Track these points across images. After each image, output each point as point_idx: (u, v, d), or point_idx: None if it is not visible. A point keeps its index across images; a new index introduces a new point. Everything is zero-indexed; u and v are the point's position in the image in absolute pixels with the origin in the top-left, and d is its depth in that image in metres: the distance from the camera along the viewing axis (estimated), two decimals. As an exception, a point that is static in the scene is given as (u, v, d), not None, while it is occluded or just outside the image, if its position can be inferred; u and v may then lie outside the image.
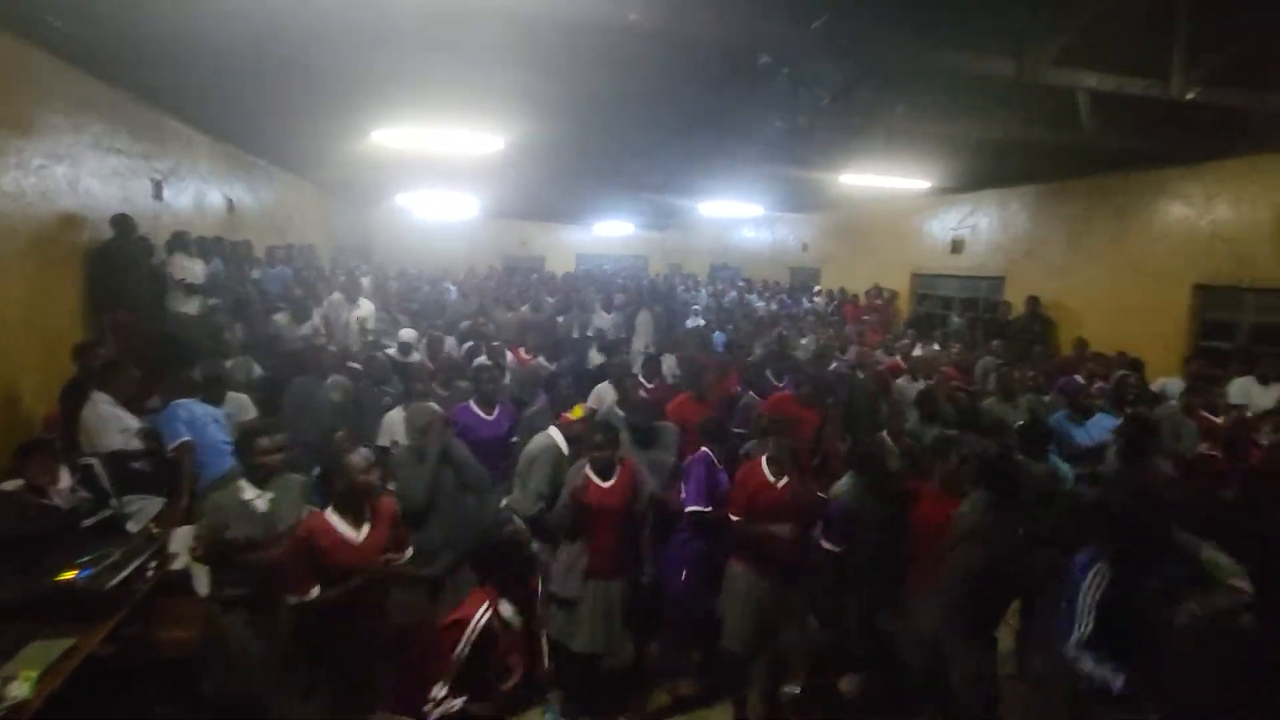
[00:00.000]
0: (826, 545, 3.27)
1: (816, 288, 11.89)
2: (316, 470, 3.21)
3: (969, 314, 9.02)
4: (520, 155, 7.57)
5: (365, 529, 2.47)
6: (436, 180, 9.89)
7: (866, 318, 9.59)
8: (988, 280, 9.01)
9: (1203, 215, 6.48)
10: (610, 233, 17.55)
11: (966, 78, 4.95)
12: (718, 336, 7.58)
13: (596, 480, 3.06)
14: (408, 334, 5.70)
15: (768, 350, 6.58)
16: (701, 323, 8.75)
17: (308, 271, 8.20)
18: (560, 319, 7.78)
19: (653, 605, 3.29)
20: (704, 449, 3.40)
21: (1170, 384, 5.50)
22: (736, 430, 4.39)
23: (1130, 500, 2.59)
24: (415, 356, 5.25)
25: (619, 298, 8.97)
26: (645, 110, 6.12)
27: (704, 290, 11.86)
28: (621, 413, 4.12)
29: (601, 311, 7.93)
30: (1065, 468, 3.93)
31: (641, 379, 5.01)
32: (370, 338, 6.07)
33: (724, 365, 5.72)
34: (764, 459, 3.20)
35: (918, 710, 3.18)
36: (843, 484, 3.43)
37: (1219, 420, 4.91)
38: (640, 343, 7.53)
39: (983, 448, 3.60)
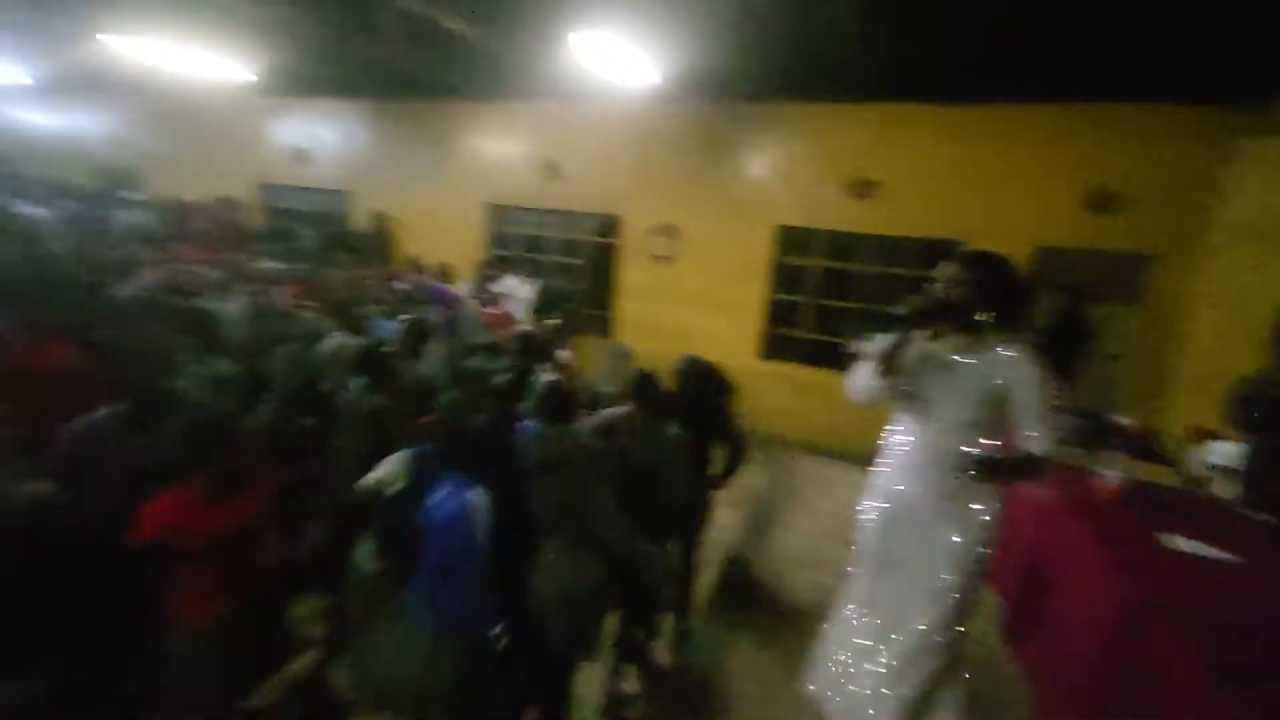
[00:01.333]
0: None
1: (133, 194, 9.47)
2: None
3: (322, 229, 8.80)
4: None
5: None
6: None
7: (210, 230, 8.22)
8: (334, 194, 8.96)
9: (486, 145, 7.93)
10: None
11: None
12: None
13: None
14: None
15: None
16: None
17: None
18: None
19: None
20: None
21: (465, 286, 6.61)
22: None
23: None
24: None
25: None
26: None
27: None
28: None
29: None
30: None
31: None
32: None
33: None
34: None
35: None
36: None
37: (495, 311, 6.22)
38: None
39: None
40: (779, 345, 6.81)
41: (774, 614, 3.20)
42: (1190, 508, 2.61)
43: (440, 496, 2.18)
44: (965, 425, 1.86)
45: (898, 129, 6.04)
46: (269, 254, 7.39)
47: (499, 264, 7.84)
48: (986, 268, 1.87)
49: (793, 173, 6.52)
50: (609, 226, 7.46)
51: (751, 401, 6.63)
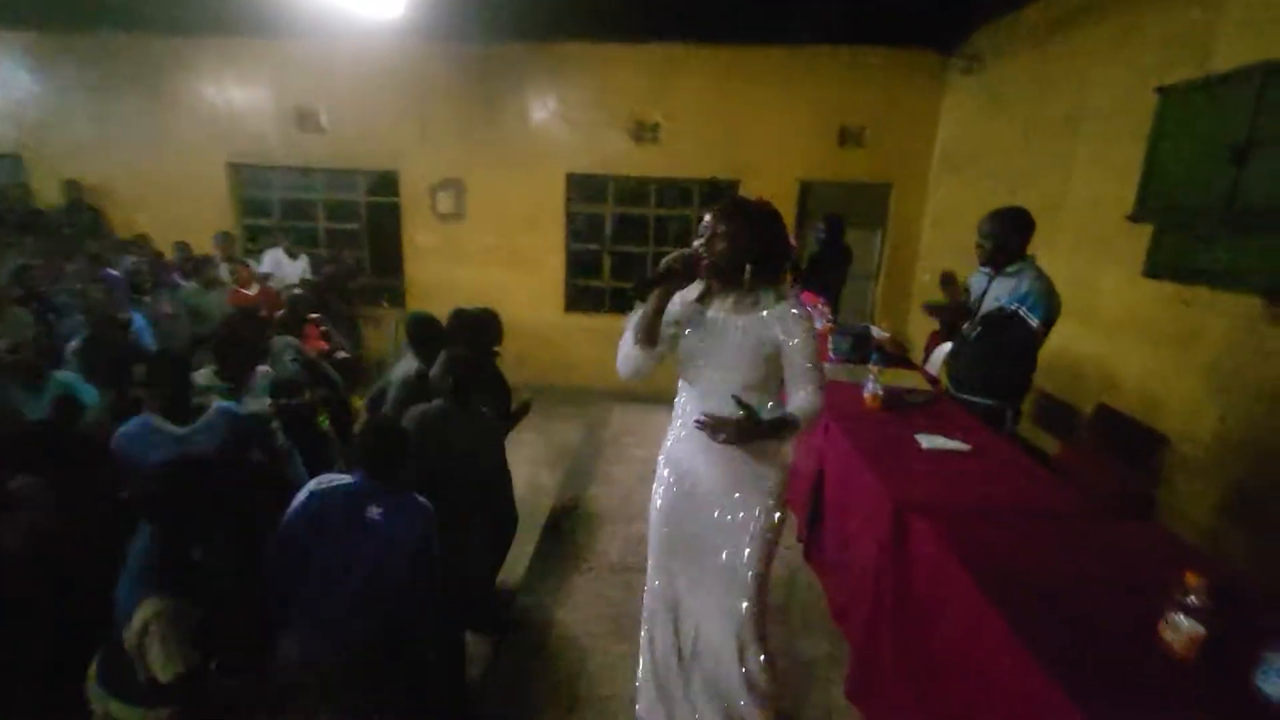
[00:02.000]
0: None
1: None
2: None
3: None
4: None
5: None
6: None
7: None
8: (3, 159, 6.93)
9: (220, 93, 6.60)
10: None
11: None
12: None
13: None
14: None
15: None
16: None
17: None
18: None
19: None
20: None
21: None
22: None
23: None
24: None
25: None
26: None
27: None
28: None
29: None
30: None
31: None
32: None
33: None
34: None
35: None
36: None
37: (251, 293, 5.33)
38: None
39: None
40: (581, 296, 6.77)
41: (597, 569, 3.22)
42: (933, 406, 3.05)
43: (381, 510, 1.96)
44: (746, 389, 1.73)
45: (673, 71, 6.10)
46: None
47: (257, 236, 6.77)
48: (742, 217, 1.73)
49: (577, 118, 6.34)
50: (387, 184, 6.71)
51: (561, 355, 6.61)
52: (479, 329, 3.00)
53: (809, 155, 6.14)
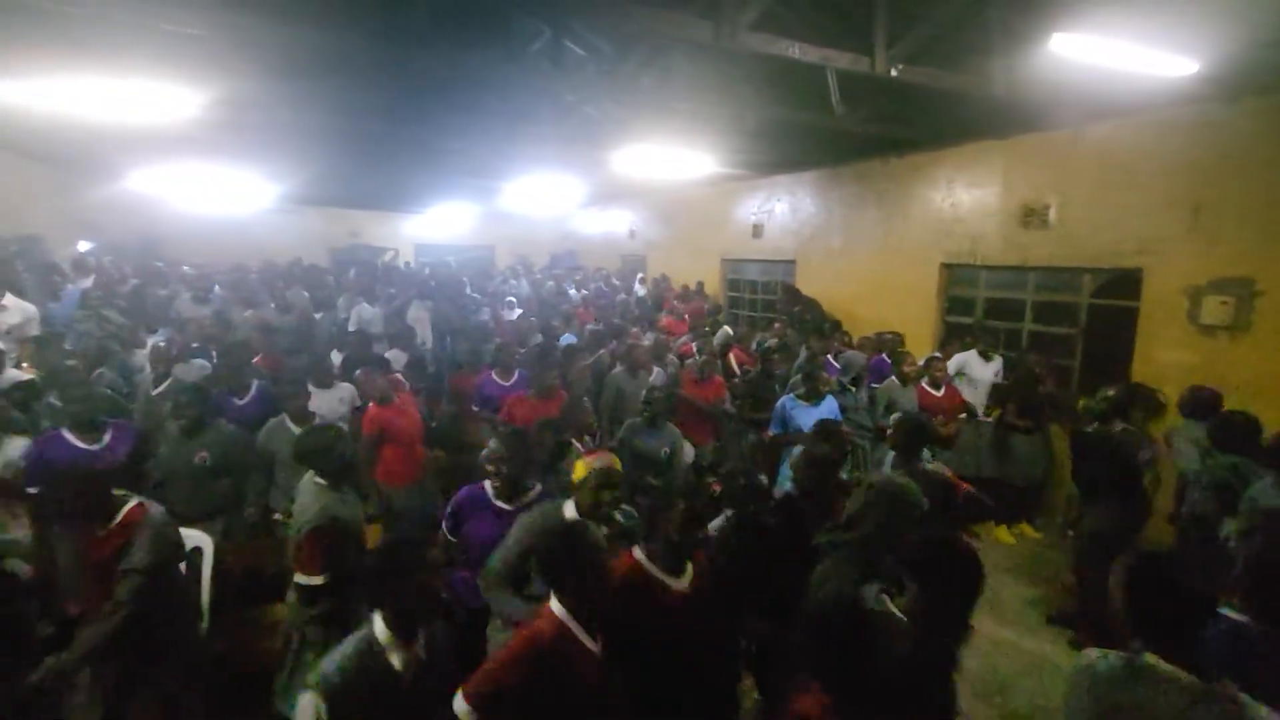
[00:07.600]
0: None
1: (640, 275, 11.73)
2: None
3: (766, 298, 9.12)
4: (311, 132, 6.60)
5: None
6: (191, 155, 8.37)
7: (677, 303, 9.51)
8: (782, 264, 9.17)
9: (945, 198, 6.80)
10: (452, 221, 16.24)
11: (721, 56, 4.79)
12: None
13: None
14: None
15: (537, 346, 6.20)
16: (516, 314, 8.51)
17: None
18: (318, 316, 6.91)
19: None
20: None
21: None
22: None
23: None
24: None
25: (391, 290, 8.24)
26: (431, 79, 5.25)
27: (524, 280, 11.31)
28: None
29: (364, 304, 7.13)
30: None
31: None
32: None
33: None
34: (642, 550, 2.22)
35: None
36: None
37: (938, 394, 5.08)
38: (420, 339, 6.93)
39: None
40: None
41: None
42: None
43: None
44: None
45: None
46: (727, 322, 8.08)
47: (956, 333, 6.62)
48: None
49: None
50: (1123, 284, 5.39)
51: None
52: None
53: None
